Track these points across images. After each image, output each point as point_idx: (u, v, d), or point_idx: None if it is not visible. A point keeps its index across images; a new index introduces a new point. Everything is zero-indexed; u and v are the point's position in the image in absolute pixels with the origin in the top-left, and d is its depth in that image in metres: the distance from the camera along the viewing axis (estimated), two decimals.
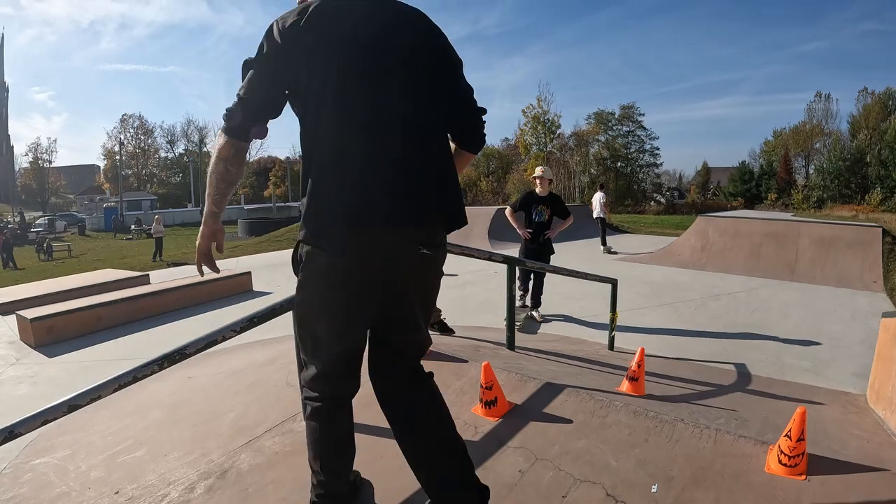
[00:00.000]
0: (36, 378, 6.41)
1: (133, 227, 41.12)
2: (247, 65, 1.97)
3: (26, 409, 5.22)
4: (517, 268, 5.90)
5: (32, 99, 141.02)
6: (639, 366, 3.94)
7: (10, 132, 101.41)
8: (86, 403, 2.12)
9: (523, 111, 54.32)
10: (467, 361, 3.87)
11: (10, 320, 9.17)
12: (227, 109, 1.96)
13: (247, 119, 1.97)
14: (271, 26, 1.94)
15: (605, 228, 16.55)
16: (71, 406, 2.10)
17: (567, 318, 7.95)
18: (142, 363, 2.33)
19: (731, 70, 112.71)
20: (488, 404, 3.23)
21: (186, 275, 13.45)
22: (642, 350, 4.07)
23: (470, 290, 10.08)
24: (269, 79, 1.96)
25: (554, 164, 52.31)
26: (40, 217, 52.41)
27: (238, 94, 1.96)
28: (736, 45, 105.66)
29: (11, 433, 2.13)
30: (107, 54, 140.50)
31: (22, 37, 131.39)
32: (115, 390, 2.23)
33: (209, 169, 2.06)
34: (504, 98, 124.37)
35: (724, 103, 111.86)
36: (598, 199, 16.70)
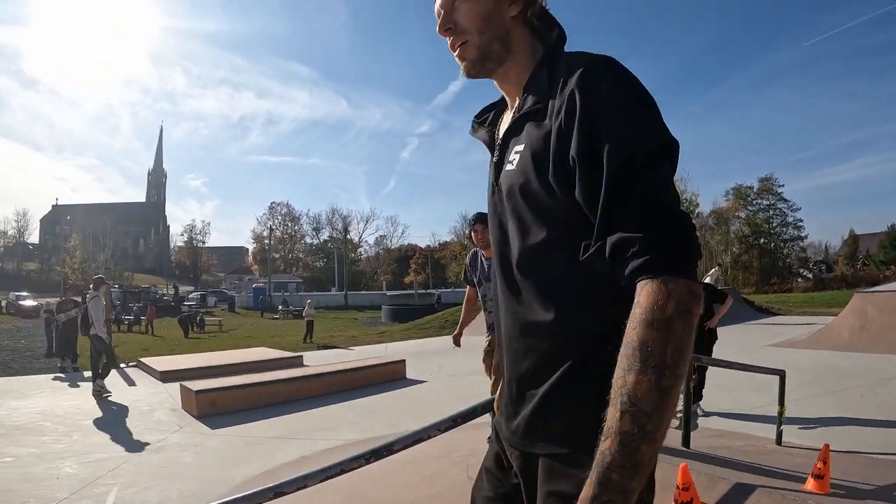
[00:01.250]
0: (200, 448, 6.78)
1: (280, 307, 43.35)
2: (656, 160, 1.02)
3: (193, 478, 5.50)
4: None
5: (188, 185, 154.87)
6: (824, 462, 3.68)
7: (167, 213, 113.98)
8: (292, 491, 2.28)
9: None
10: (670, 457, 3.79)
11: (172, 388, 9.92)
12: (666, 236, 0.95)
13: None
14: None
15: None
16: (277, 493, 2.24)
17: (723, 413, 7.56)
18: (350, 456, 2.39)
19: (864, 127, 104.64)
20: None
21: (337, 358, 14.08)
22: (827, 447, 3.82)
23: None
24: None
25: None
26: (193, 292, 56.52)
27: (667, 207, 0.98)
28: (865, 100, 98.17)
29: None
30: (255, 147, 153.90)
31: (178, 130, 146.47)
32: (321, 481, 2.36)
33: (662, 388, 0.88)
34: None
35: (863, 163, 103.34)
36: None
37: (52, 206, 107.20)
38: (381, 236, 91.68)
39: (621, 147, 1.00)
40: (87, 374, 12.75)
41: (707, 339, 7.36)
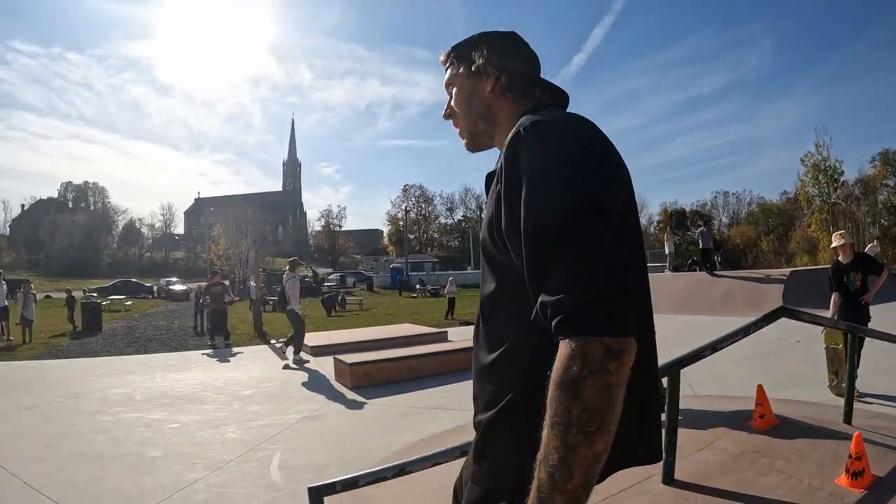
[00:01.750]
0: (356, 417, 6.90)
1: (418, 286, 44.20)
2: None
3: (353, 444, 5.52)
4: None
5: (321, 173, 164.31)
6: None
7: (303, 200, 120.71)
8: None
9: (801, 160, 49.76)
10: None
11: (324, 361, 10.31)
12: (577, 299, 0.94)
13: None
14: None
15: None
16: (463, 452, 2.08)
17: (880, 396, 6.46)
18: None
19: None
20: (855, 475, 3.14)
21: None
22: None
23: (772, 362, 8.79)
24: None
25: (840, 216, 46.54)
26: (331, 273, 58.73)
27: (580, 270, 0.96)
28: None
29: (402, 470, 2.19)
30: (383, 132, 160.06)
31: (308, 121, 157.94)
32: None
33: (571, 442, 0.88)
34: (777, 147, 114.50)
35: None
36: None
37: (195, 199, 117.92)
38: None
39: (536, 214, 1.03)
40: (237, 349, 13.70)
41: (863, 318, 6.62)
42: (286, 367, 10.45)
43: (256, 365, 11.31)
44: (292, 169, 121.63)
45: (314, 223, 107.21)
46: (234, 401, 7.90)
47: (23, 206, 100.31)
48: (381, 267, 61.98)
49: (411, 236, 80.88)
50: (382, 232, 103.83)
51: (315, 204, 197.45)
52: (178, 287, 41.37)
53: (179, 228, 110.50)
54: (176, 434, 6.28)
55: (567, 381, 0.90)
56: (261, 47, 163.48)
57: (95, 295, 32.90)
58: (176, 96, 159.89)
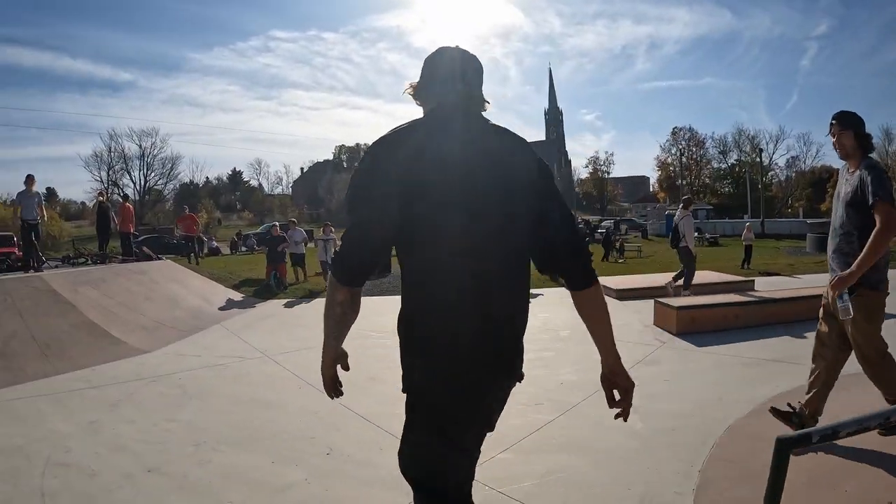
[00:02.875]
0: (695, 364, 6.65)
1: (695, 234, 41.38)
2: None
3: (708, 393, 5.51)
4: None
5: (582, 120, 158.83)
6: None
7: (567, 149, 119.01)
8: None
9: None
10: None
11: (634, 305, 10.40)
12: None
13: None
14: None
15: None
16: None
17: None
18: None
19: None
20: None
21: (784, 285, 12.90)
22: None
23: None
24: None
25: None
26: (603, 220, 57.77)
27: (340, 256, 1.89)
28: None
29: (836, 433, 1.71)
30: (642, 74, 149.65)
31: (564, 69, 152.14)
32: None
33: None
34: None
35: None
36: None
37: None
38: (792, 157, 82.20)
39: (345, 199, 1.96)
40: (538, 290, 13.49)
41: None
42: None
43: (564, 308, 11.47)
44: (554, 117, 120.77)
45: (580, 171, 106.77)
46: (557, 342, 8.14)
47: (302, 168, 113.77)
48: (653, 214, 59.60)
49: (682, 182, 76.55)
50: (648, 179, 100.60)
51: (577, 152, 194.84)
52: None
53: None
54: None
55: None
56: (505, 1, 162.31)
57: None
58: None
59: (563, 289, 2.08)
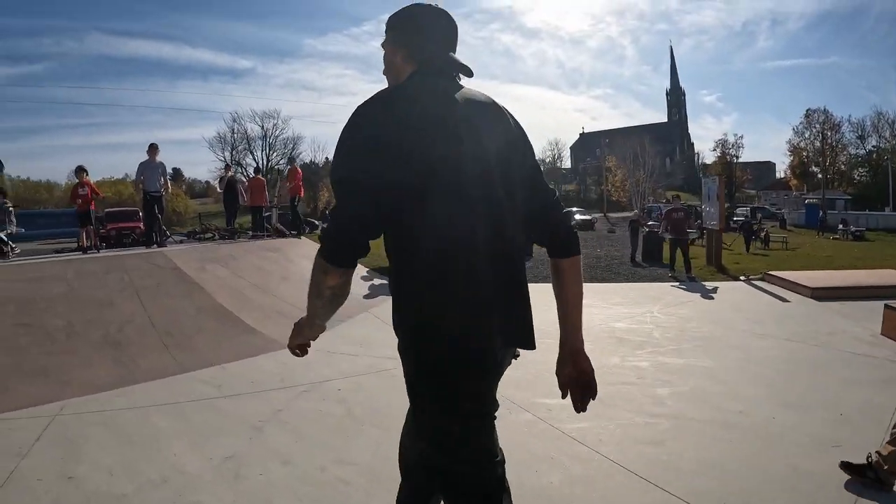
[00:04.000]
0: None
1: (840, 226, 37.82)
2: None
3: None
4: None
5: (702, 101, 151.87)
6: None
7: (689, 131, 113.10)
8: None
9: None
10: None
11: (834, 308, 8.37)
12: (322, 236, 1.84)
13: None
14: None
15: None
16: None
17: None
18: None
19: None
20: None
21: None
22: None
23: None
24: None
25: None
26: (738, 207, 53.91)
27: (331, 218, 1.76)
28: None
29: None
30: (764, 52, 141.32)
31: (682, 47, 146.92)
32: None
33: None
34: None
35: None
36: None
37: (580, 134, 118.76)
38: None
39: (331, 174, 1.71)
40: (708, 283, 11.99)
41: None
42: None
43: (750, 301, 9.72)
44: (676, 98, 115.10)
45: (705, 154, 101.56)
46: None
47: None
48: (789, 202, 55.10)
49: (814, 168, 70.31)
50: (773, 165, 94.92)
51: (698, 135, 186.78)
52: (580, 217, 42.57)
53: (566, 163, 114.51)
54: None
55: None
56: None
57: None
58: (544, 38, 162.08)
59: None
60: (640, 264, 15.81)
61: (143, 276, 7.29)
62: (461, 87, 1.80)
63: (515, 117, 1.88)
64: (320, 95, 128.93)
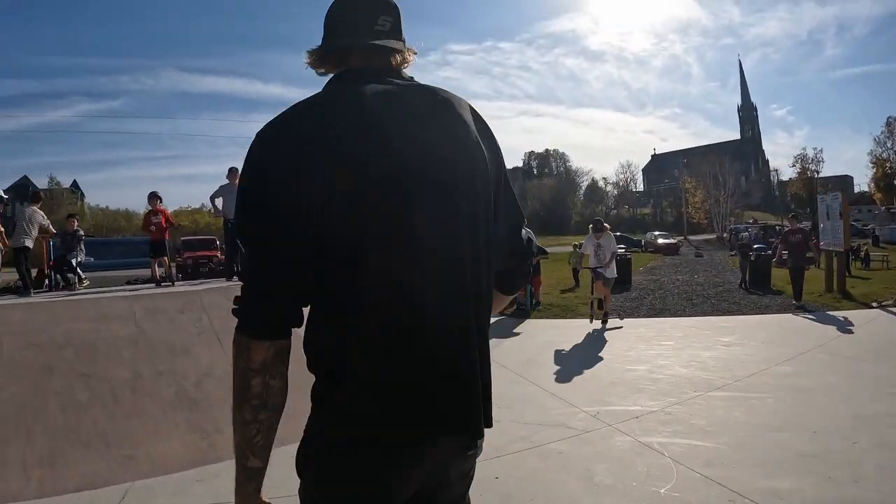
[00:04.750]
0: None
1: None
2: None
3: None
4: None
5: (772, 116, 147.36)
6: None
7: (763, 148, 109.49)
8: None
9: None
10: None
11: None
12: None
13: None
14: None
15: None
16: None
17: None
18: None
19: None
20: None
21: None
22: None
23: None
24: None
25: None
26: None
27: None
28: None
29: None
30: (833, 60, 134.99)
31: (748, 61, 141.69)
32: None
33: None
34: None
35: None
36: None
37: (651, 156, 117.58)
38: None
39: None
40: (838, 313, 10.56)
41: None
42: None
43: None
44: (748, 114, 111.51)
45: (782, 170, 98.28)
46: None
47: None
48: (878, 217, 51.85)
49: None
50: (851, 178, 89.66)
51: (770, 151, 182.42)
52: (664, 241, 40.85)
53: (639, 185, 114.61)
54: None
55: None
56: None
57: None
58: (608, 60, 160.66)
59: None
60: (754, 291, 14.48)
61: (224, 317, 6.17)
62: (401, 84, 1.36)
63: (483, 118, 1.47)
64: None
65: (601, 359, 7.67)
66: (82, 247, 11.46)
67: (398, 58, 1.40)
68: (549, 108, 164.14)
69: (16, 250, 9.71)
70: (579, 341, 9.11)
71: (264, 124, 1.27)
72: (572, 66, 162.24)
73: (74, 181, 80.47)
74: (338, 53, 1.38)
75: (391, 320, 1.19)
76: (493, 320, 5.87)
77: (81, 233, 11.85)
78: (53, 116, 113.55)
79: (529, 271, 1.63)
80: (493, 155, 1.42)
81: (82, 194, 79.56)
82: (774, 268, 14.66)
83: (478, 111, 1.46)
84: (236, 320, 1.21)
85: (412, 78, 1.43)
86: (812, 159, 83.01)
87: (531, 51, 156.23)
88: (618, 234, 47.67)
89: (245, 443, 1.23)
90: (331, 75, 1.39)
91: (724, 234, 34.22)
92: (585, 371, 6.90)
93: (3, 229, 9.98)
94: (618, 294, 14.20)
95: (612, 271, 10.78)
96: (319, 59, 1.40)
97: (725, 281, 16.91)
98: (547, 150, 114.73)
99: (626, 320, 11.16)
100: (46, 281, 11.77)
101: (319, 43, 1.40)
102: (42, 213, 10.20)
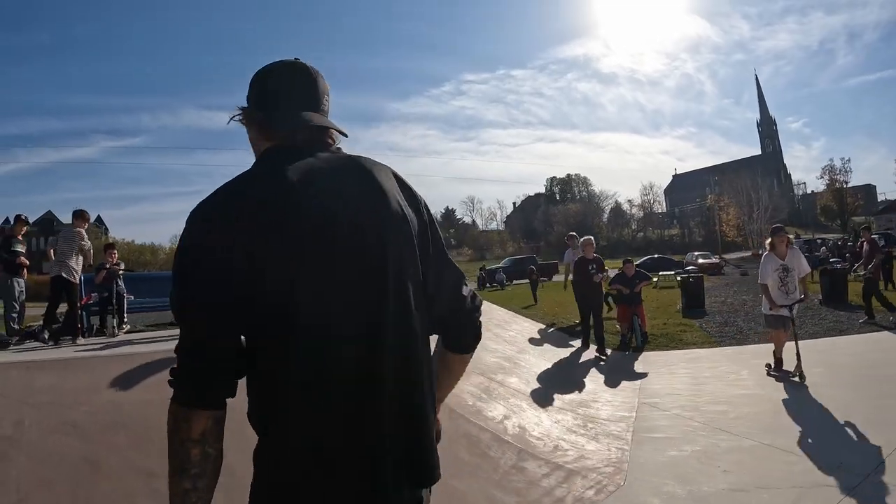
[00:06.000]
0: None
1: None
2: None
3: None
4: None
5: (788, 129, 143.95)
6: None
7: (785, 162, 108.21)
8: None
9: None
10: None
11: None
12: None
13: None
14: None
15: None
16: None
17: None
18: None
19: None
20: None
21: None
22: None
23: None
24: None
25: None
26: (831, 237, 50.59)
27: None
28: None
29: None
30: (846, 69, 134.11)
31: (761, 75, 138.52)
32: None
33: None
34: None
35: None
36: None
37: (672, 176, 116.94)
38: None
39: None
40: None
41: None
42: None
43: None
44: (768, 129, 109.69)
45: (808, 182, 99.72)
46: None
47: (514, 203, 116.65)
48: None
49: None
50: (874, 187, 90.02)
51: (790, 164, 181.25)
52: (703, 260, 39.48)
53: (661, 206, 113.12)
54: None
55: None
56: (686, 12, 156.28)
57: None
58: (621, 82, 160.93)
59: None
60: (834, 308, 12.99)
61: None
62: (332, 155, 1.46)
63: (410, 183, 1.55)
64: (407, 155, 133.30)
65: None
66: (121, 283, 9.84)
67: (335, 136, 1.49)
68: (565, 134, 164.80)
69: (52, 281, 8.26)
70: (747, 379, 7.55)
71: (198, 203, 1.32)
72: (585, 90, 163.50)
73: (98, 216, 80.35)
74: (288, 131, 1.42)
75: (311, 376, 1.25)
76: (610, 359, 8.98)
77: (122, 266, 10.35)
78: (76, 153, 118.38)
79: (478, 326, 1.62)
80: (418, 214, 1.49)
81: (106, 229, 79.73)
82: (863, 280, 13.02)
83: (401, 175, 1.54)
84: (172, 391, 1.25)
85: (339, 149, 1.50)
86: (840, 170, 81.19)
87: (544, 77, 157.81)
88: (656, 256, 46.83)
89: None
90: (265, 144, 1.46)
91: (761, 251, 32.64)
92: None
93: (27, 262, 8.62)
94: (697, 318, 13.43)
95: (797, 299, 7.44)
96: (263, 127, 1.45)
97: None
98: (569, 175, 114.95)
99: (743, 347, 9.81)
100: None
101: (252, 97, 1.48)
102: (85, 234, 8.63)
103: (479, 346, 1.64)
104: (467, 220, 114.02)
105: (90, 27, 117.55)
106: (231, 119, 1.49)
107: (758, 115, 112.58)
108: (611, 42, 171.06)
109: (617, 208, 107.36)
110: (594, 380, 7.98)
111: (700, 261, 39.24)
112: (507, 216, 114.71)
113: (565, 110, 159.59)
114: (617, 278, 11.23)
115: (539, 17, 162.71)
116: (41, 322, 8.61)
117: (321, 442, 1.24)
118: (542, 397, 6.57)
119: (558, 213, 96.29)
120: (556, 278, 40.61)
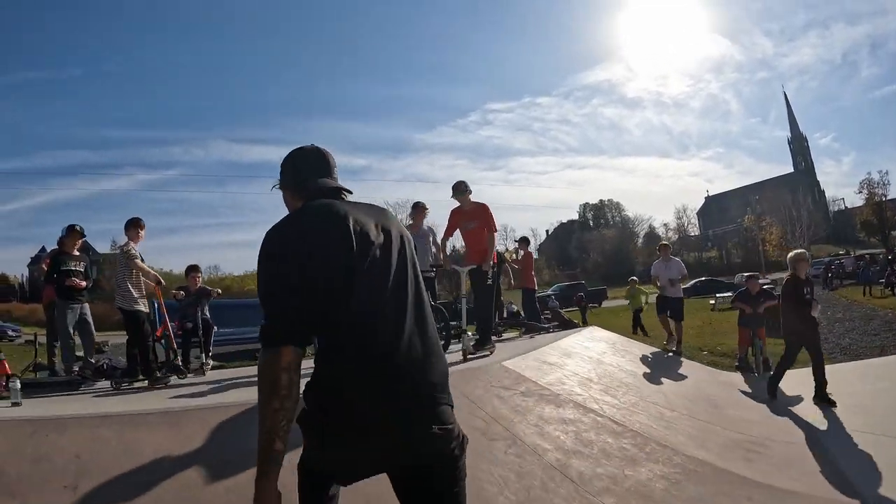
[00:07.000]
0: None
1: None
2: None
3: None
4: None
5: (817, 145, 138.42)
6: None
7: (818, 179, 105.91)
8: None
9: None
10: None
11: None
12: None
13: None
14: None
15: None
16: None
17: None
18: None
19: None
20: None
21: None
22: None
23: None
24: None
25: None
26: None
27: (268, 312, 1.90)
28: None
29: None
30: (871, 80, 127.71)
31: (786, 90, 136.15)
32: None
33: None
34: None
35: None
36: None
37: (705, 198, 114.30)
38: None
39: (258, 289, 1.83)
40: None
41: None
42: None
43: None
44: (799, 146, 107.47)
45: (845, 198, 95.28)
46: None
47: (547, 231, 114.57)
48: None
49: None
50: None
51: (821, 181, 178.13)
52: (759, 281, 38.31)
53: (695, 230, 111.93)
54: None
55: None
56: (707, 32, 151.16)
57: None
58: (647, 106, 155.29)
59: None
60: None
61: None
62: (350, 201, 2.07)
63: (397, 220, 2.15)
64: (436, 186, 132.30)
65: None
66: (206, 311, 8.62)
67: (346, 194, 2.10)
68: (593, 160, 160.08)
69: (124, 315, 6.87)
70: None
71: (273, 226, 1.89)
72: (611, 115, 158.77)
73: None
74: (315, 191, 2.03)
75: (367, 350, 1.81)
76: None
77: (209, 291, 8.94)
78: (110, 185, 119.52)
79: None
80: (409, 240, 2.10)
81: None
82: None
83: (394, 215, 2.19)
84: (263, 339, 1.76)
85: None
86: (878, 183, 78.96)
87: (569, 104, 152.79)
88: (705, 278, 45.91)
89: (273, 430, 1.69)
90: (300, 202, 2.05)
91: (811, 270, 31.62)
92: None
93: (80, 284, 7.45)
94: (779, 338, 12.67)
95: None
96: (296, 191, 2.08)
97: (876, 315, 16.71)
98: (601, 201, 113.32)
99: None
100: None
101: (287, 171, 2.12)
102: (134, 245, 7.19)
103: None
104: (500, 248, 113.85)
105: (121, 62, 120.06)
106: (273, 188, 2.14)
107: (787, 133, 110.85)
108: (634, 66, 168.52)
109: (651, 233, 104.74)
110: None
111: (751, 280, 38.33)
112: (540, 244, 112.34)
113: (592, 136, 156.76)
114: (740, 296, 10.95)
115: (561, 43, 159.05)
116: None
117: (365, 368, 1.78)
118: None
119: (594, 239, 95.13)
120: (604, 304, 40.93)
